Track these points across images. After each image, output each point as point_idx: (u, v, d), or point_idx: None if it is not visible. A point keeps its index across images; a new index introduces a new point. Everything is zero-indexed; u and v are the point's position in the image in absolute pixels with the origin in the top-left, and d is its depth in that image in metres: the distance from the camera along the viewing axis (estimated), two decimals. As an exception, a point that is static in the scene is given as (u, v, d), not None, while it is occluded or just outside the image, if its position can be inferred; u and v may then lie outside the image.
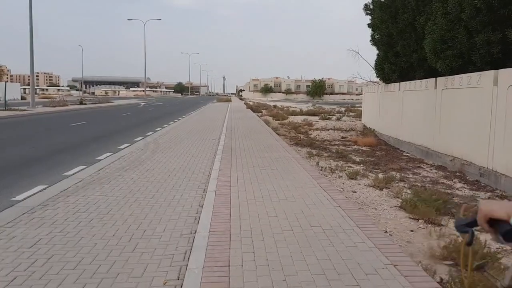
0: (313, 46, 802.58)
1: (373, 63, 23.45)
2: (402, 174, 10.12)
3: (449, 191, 8.42)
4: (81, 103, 38.59)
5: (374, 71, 26.60)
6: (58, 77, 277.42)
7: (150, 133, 16.17)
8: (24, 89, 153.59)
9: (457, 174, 10.72)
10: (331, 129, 21.10)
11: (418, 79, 16.42)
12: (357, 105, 55.63)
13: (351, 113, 35.48)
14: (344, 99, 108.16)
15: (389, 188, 8.07)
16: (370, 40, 22.02)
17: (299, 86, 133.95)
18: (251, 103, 55.34)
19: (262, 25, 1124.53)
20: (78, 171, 8.43)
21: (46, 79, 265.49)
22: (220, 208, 5.60)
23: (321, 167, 9.83)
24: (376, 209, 6.45)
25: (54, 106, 32.16)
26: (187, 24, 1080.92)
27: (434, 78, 13.45)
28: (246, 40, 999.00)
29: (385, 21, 17.84)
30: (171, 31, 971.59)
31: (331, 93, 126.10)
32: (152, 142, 13.30)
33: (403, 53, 16.96)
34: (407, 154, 14.87)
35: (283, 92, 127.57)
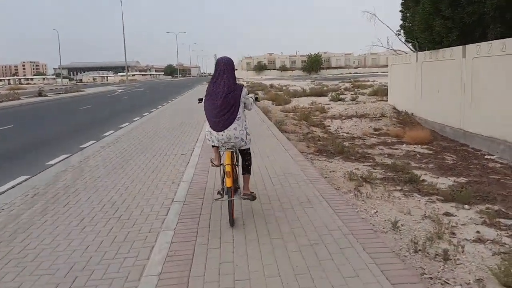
0: (307, 20, 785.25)
1: (394, 27, 17.79)
2: None
3: None
4: (40, 95, 32.24)
5: (397, 37, 20.95)
6: (45, 65, 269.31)
7: (91, 142, 10.55)
8: (9, 80, 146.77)
9: None
10: (353, 116, 15.51)
11: (493, 39, 10.83)
12: (360, 79, 49.80)
13: (361, 90, 29.73)
14: (342, 73, 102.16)
15: None
16: (403, -9, 16.27)
17: (294, 62, 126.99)
18: (244, 83, 49.42)
19: (253, 2, 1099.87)
20: None
21: (33, 68, 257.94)
22: None
23: (412, 241, 4.26)
24: None
25: (0, 101, 26.10)
26: (177, 4, 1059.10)
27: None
28: (236, 17, 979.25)
29: (435, -44, 12.07)
30: (160, 12, 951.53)
31: (328, 68, 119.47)
32: (75, 168, 7.71)
33: (467, 1, 11.26)
34: (493, 158, 9.37)
35: (277, 69, 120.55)
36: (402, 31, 19.97)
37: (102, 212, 5.01)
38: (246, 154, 4.62)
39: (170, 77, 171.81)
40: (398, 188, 6.49)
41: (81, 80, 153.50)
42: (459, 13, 11.72)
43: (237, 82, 4.56)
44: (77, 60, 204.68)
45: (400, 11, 19.55)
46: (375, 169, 7.96)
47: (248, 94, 4.61)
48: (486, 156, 9.59)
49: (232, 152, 4.41)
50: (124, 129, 12.86)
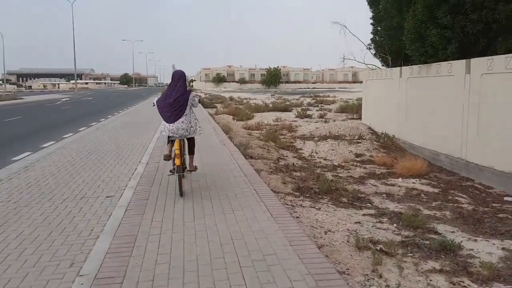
0: (266, 33, 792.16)
1: (365, 40, 15.91)
2: None
3: None
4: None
5: (369, 51, 19.30)
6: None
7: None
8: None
9: None
10: (327, 137, 13.36)
11: (503, 53, 9.02)
12: (320, 94, 48.37)
13: (325, 106, 28.01)
14: (301, 88, 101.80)
15: None
16: (385, -3, 14.40)
17: (253, 75, 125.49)
18: (202, 95, 46.58)
19: (213, 13, 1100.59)
20: None
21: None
22: None
23: None
24: None
25: None
26: (136, 12, 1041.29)
27: None
28: (197, 28, 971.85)
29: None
30: (117, 20, 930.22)
31: (287, 82, 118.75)
32: None
33: (472, 7, 9.42)
34: (515, 200, 7.38)
35: (237, 82, 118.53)
36: (372, 45, 18.33)
37: None
38: (191, 140, 6.33)
39: (126, 86, 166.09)
40: (435, 265, 4.23)
41: (30, 87, 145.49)
42: (461, 21, 9.87)
43: (187, 89, 6.05)
44: (29, 66, 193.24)
45: (371, 24, 17.87)
46: (382, 222, 5.71)
47: (194, 97, 6.15)
48: (506, 198, 7.59)
49: (180, 140, 5.97)
50: (46, 150, 10.03)
